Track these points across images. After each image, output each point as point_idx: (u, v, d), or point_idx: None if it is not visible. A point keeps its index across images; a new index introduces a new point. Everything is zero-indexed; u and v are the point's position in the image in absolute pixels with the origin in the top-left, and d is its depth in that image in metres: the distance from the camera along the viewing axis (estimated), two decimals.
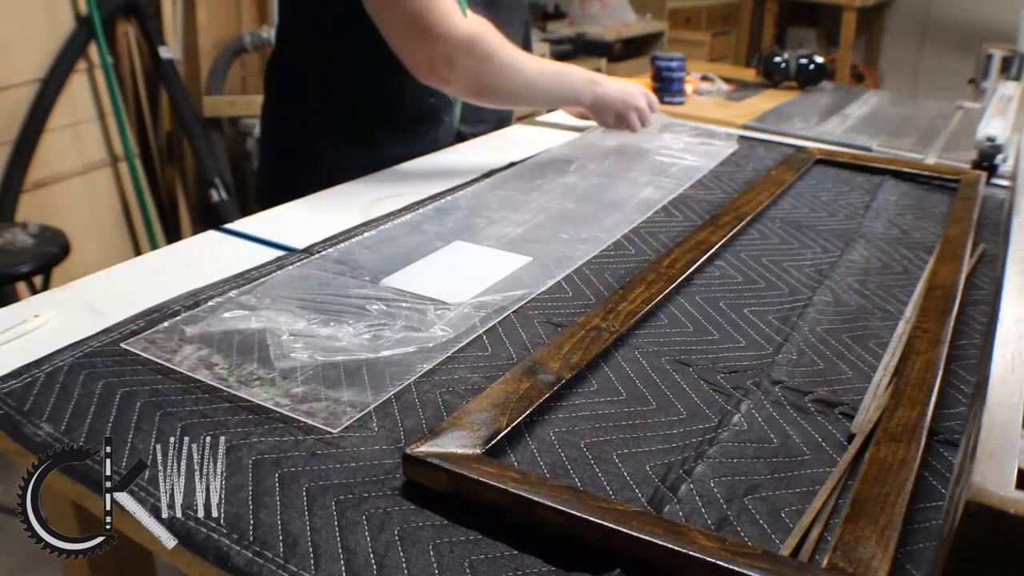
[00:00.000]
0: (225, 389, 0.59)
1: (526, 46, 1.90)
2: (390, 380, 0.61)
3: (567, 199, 1.02)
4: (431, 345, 0.66)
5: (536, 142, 1.28)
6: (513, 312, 0.73)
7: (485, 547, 0.46)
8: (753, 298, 0.79)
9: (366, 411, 0.58)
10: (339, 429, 0.55)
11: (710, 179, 1.13)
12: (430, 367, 0.63)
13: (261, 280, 0.75)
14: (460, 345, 0.67)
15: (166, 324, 0.67)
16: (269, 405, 0.58)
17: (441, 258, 0.83)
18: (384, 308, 0.71)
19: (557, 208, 0.98)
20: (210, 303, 0.71)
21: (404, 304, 0.72)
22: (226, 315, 0.68)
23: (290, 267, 0.79)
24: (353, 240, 0.86)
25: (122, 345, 0.64)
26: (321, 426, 0.56)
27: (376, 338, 0.66)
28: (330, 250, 0.83)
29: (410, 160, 1.14)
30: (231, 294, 0.72)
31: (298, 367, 0.62)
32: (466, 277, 0.79)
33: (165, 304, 0.70)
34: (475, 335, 0.68)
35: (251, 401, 0.58)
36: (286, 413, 0.57)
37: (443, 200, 0.99)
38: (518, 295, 0.75)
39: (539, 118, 1.47)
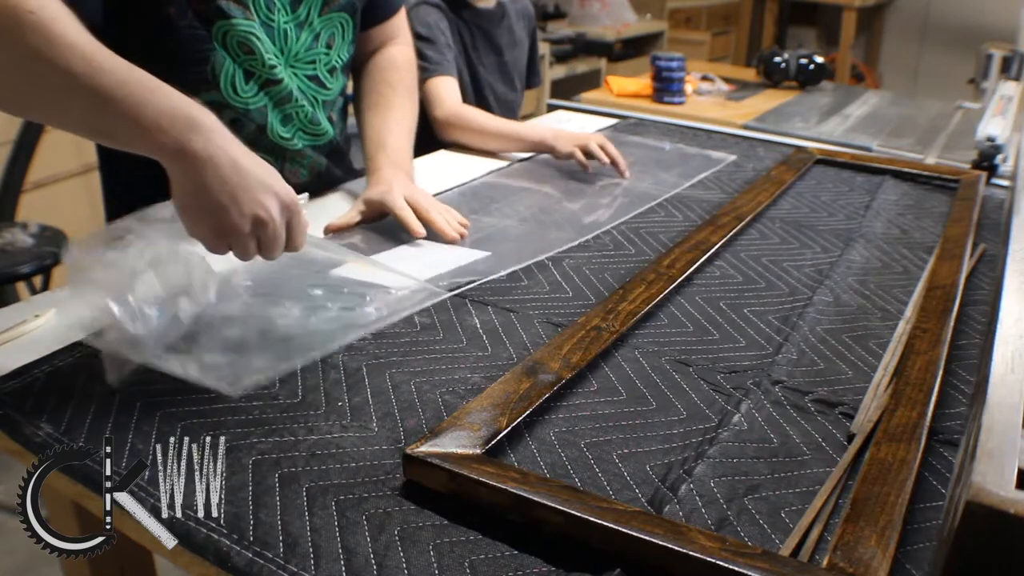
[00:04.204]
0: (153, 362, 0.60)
1: (531, 68, 1.79)
2: (297, 352, 0.63)
3: (532, 210, 1.00)
4: (359, 322, 0.68)
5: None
6: (513, 312, 0.73)
7: (485, 547, 0.46)
8: (753, 298, 0.79)
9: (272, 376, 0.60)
10: (239, 391, 0.57)
11: (710, 179, 1.13)
12: (346, 342, 0.65)
13: None
14: (384, 324, 0.68)
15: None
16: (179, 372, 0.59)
17: (403, 251, 0.84)
18: (324, 293, 0.73)
19: (527, 215, 0.98)
20: None
21: (345, 290, 0.74)
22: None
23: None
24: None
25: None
26: (225, 388, 0.57)
27: (309, 315, 0.68)
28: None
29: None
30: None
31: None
32: (418, 268, 0.80)
33: None
34: (403, 315, 0.70)
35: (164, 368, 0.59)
36: (194, 374, 0.58)
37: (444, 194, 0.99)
38: (463, 281, 0.77)
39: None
